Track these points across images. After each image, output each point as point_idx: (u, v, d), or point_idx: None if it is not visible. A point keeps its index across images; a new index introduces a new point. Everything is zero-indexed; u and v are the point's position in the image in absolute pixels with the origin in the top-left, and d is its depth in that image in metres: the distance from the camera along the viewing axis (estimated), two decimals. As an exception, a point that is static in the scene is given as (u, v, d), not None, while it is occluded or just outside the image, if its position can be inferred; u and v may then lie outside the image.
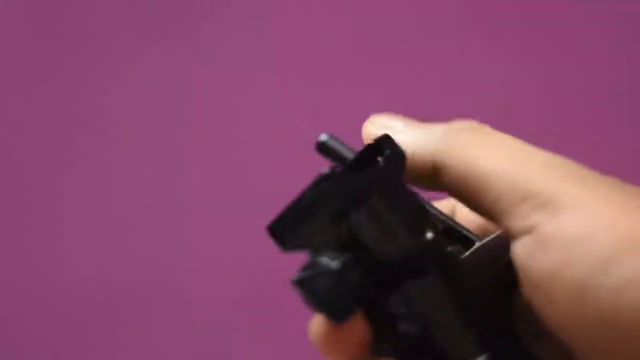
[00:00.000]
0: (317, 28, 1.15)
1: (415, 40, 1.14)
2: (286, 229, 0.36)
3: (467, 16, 1.14)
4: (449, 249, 0.36)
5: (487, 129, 0.38)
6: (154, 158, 1.12)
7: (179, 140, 1.12)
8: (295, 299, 1.06)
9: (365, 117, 1.12)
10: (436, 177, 0.38)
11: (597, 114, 1.11)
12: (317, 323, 0.36)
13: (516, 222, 0.35)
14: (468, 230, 0.39)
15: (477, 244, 0.38)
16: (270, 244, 1.08)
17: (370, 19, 1.15)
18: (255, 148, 1.12)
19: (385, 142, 0.36)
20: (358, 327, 0.36)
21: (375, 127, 0.40)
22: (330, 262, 0.34)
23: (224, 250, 1.09)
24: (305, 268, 0.34)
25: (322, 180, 0.35)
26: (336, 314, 0.34)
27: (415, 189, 0.41)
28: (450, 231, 0.39)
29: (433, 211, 0.39)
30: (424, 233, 0.35)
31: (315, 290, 0.34)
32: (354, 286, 0.34)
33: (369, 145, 0.37)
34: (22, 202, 1.11)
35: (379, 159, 0.36)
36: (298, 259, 1.04)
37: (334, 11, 1.15)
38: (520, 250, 0.35)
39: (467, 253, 0.37)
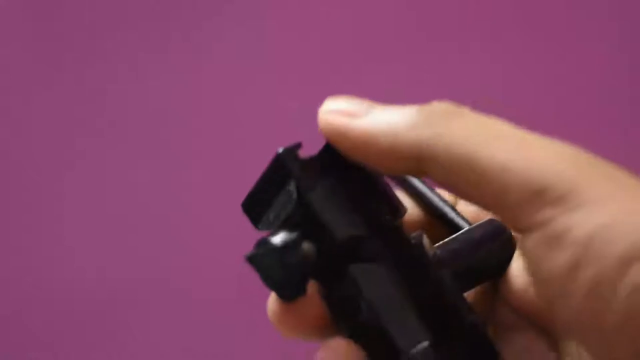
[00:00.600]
0: (316, 28, 1.15)
1: (415, 40, 1.14)
2: (254, 208, 0.36)
3: (467, 16, 1.14)
4: (413, 234, 0.35)
5: (471, 112, 0.35)
6: (152, 158, 1.12)
7: (178, 140, 1.13)
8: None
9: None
10: (418, 166, 0.34)
11: (597, 114, 1.11)
12: (271, 300, 0.35)
13: (526, 216, 0.33)
14: (463, 218, 0.38)
15: (459, 232, 0.37)
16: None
17: (370, 18, 1.15)
18: (254, 147, 1.12)
19: None
20: (310, 307, 0.34)
21: (332, 115, 0.35)
22: (275, 239, 0.34)
23: (223, 249, 1.09)
24: (257, 245, 0.34)
25: (279, 160, 0.34)
26: (284, 293, 0.34)
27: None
28: (442, 217, 0.38)
29: (430, 195, 0.38)
30: (381, 217, 0.35)
31: (261, 267, 0.34)
32: (299, 265, 0.34)
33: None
34: (22, 202, 1.11)
35: None
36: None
37: (333, 11, 1.16)
38: (531, 245, 0.33)
39: (447, 239, 0.37)
